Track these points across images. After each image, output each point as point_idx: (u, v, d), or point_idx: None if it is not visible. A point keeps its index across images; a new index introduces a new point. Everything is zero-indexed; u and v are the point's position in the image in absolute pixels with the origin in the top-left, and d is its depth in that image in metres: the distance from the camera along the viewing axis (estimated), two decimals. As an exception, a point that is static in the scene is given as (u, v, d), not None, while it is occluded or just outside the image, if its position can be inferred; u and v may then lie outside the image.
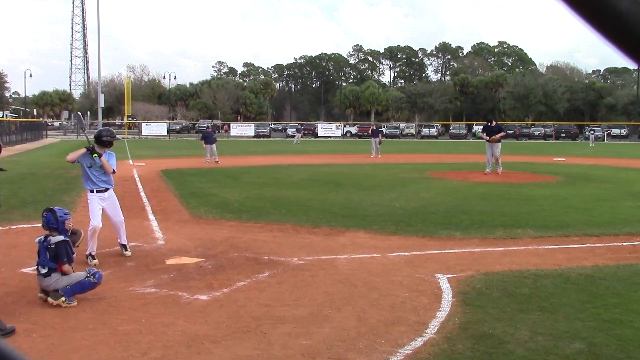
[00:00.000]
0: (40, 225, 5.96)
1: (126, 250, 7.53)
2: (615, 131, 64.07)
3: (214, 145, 23.76)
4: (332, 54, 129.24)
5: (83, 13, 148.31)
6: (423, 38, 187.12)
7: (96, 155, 7.13)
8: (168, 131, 64.62)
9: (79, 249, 6.45)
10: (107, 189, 7.37)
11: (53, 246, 5.57)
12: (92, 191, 7.29)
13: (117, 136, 7.71)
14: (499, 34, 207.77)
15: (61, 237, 5.63)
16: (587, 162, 26.25)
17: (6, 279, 6.37)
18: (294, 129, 56.20)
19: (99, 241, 7.30)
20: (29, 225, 9.36)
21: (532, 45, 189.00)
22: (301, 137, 52.77)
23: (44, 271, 5.57)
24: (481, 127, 72.30)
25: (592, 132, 52.17)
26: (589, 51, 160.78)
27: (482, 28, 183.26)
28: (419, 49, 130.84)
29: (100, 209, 7.29)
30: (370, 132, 31.89)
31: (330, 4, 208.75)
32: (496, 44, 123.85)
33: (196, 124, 74.02)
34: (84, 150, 7.16)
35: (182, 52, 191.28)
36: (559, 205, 11.96)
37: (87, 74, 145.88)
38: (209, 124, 31.51)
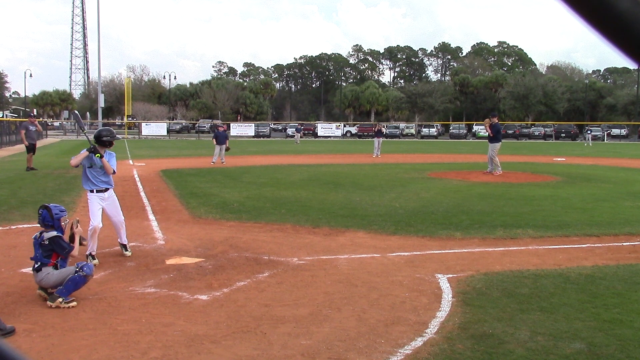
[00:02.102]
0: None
1: (126, 250, 7.53)
2: (615, 131, 64.09)
3: (224, 145, 23.62)
4: (332, 54, 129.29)
5: (83, 13, 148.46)
6: (422, 39, 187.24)
7: (99, 155, 7.12)
8: (168, 131, 64.62)
9: (81, 249, 6.45)
10: (107, 189, 7.36)
11: (46, 242, 5.63)
12: (91, 191, 7.28)
13: (117, 136, 7.69)
14: (498, 34, 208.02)
15: (54, 233, 5.68)
16: (587, 162, 26.25)
17: (6, 279, 6.37)
18: (294, 129, 56.45)
19: (99, 241, 7.30)
20: (28, 225, 9.35)
21: (530, 45, 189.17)
22: (301, 137, 52.97)
23: (36, 266, 5.63)
24: (481, 127, 72.09)
25: (589, 132, 52.66)
26: (587, 51, 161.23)
27: (480, 28, 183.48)
28: (419, 49, 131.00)
29: (100, 208, 7.28)
30: (374, 131, 31.51)
31: (328, 4, 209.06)
32: (496, 44, 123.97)
33: (196, 124, 74.02)
34: (86, 152, 7.14)
35: (182, 52, 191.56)
36: (559, 205, 11.95)
37: (87, 74, 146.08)
38: (222, 124, 31.30)
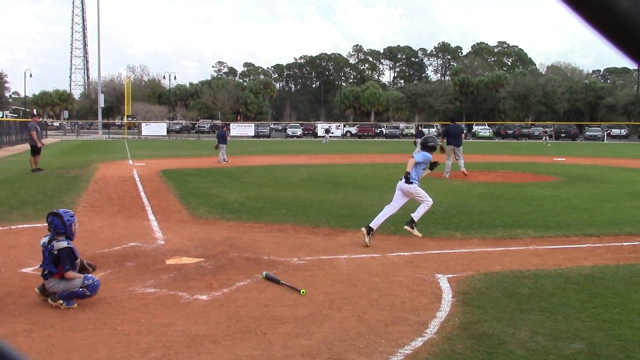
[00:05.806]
0: (40, 225, 5.96)
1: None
2: (615, 131, 64.14)
3: (224, 145, 24.54)
4: (332, 54, 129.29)
5: (83, 13, 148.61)
6: (420, 39, 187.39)
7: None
8: (168, 131, 64.64)
9: (85, 254, 6.44)
10: None
11: (56, 252, 5.53)
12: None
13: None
14: (496, 34, 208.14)
15: (64, 244, 5.56)
16: (587, 162, 26.24)
17: (6, 279, 6.37)
18: (324, 130, 58.98)
19: (99, 242, 7.30)
20: (29, 226, 9.34)
21: (528, 45, 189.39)
22: (330, 137, 54.76)
23: (45, 272, 5.58)
24: (481, 127, 72.14)
25: (546, 131, 55.65)
26: (584, 52, 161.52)
27: (478, 29, 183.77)
28: (419, 49, 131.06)
29: None
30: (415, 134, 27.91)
31: (326, 5, 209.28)
32: (496, 44, 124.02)
33: (196, 124, 74.05)
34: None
35: (181, 52, 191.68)
36: (559, 205, 11.95)
37: (87, 74, 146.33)
38: (223, 124, 32.05)
